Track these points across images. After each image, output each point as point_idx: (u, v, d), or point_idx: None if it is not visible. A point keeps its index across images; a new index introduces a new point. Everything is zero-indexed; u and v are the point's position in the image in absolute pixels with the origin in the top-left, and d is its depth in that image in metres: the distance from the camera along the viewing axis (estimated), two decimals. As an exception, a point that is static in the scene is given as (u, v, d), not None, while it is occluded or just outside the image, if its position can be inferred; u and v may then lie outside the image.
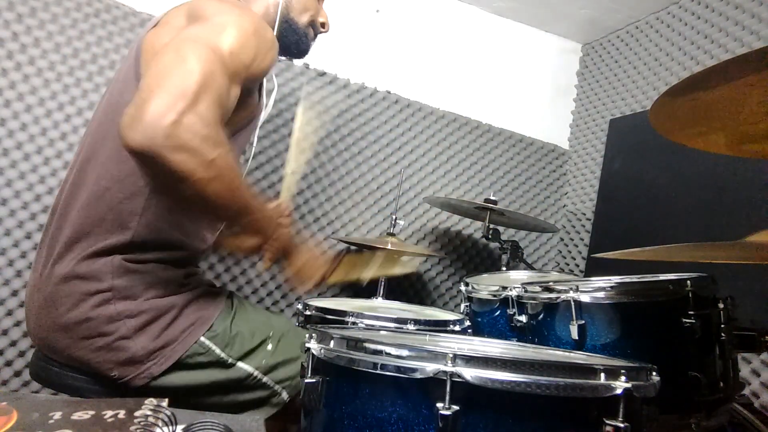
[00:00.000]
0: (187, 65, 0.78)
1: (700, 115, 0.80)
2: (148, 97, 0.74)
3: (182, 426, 0.66)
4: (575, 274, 2.21)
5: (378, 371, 0.65)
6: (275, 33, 1.13)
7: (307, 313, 1.29)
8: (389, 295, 1.74)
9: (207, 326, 1.00)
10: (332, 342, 0.71)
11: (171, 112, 0.73)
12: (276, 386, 1.05)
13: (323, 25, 1.26)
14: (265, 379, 1.04)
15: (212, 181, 0.80)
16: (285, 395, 1.06)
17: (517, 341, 1.12)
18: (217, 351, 1.00)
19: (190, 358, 0.98)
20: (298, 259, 1.11)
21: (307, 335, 0.76)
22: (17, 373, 1.57)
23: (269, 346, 1.06)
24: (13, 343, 1.57)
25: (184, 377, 0.98)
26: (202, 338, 0.99)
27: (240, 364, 1.02)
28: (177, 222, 1.01)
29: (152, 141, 0.73)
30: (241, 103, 0.93)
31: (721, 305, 1.02)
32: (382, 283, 1.73)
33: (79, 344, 0.94)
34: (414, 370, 0.63)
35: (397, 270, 1.63)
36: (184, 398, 0.83)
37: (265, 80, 1.16)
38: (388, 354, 0.66)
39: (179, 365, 0.97)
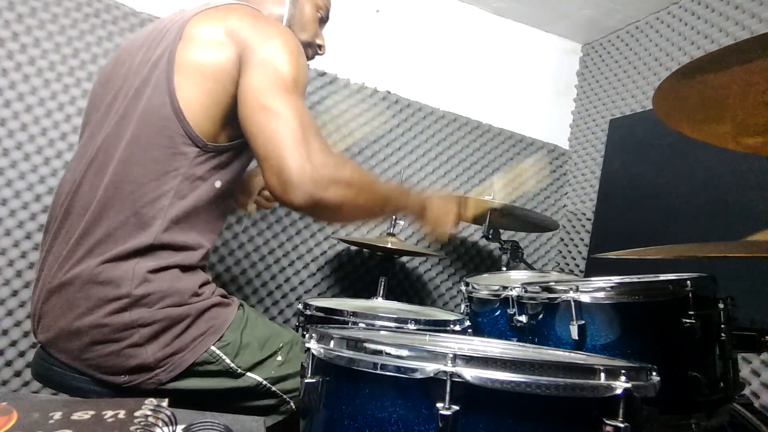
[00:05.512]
0: (282, 117, 0.90)
1: (708, 101, 0.75)
2: (281, 164, 0.88)
3: (182, 426, 0.66)
4: (575, 274, 2.21)
5: (378, 371, 0.65)
6: None
7: (307, 312, 1.29)
8: (389, 295, 1.74)
9: (218, 336, 1.00)
10: (332, 342, 0.71)
11: (305, 164, 0.88)
12: (284, 396, 1.06)
13: (320, 47, 1.32)
14: (273, 388, 1.05)
15: (359, 194, 0.96)
16: (293, 404, 1.07)
17: (517, 341, 1.12)
18: (227, 360, 1.00)
19: (200, 366, 0.98)
20: (432, 213, 1.23)
21: (307, 335, 0.76)
22: (17, 373, 1.57)
23: (279, 357, 1.07)
24: (13, 343, 1.57)
25: (191, 384, 0.98)
26: (213, 347, 1.00)
27: (249, 374, 1.03)
28: (194, 223, 1.01)
29: (311, 195, 0.89)
30: None
31: (721, 305, 1.02)
32: (382, 283, 1.73)
33: (89, 348, 0.94)
34: (414, 370, 0.63)
35: (525, 172, 1.65)
36: (189, 403, 0.83)
37: None
38: (388, 354, 0.65)
39: (188, 372, 0.97)
